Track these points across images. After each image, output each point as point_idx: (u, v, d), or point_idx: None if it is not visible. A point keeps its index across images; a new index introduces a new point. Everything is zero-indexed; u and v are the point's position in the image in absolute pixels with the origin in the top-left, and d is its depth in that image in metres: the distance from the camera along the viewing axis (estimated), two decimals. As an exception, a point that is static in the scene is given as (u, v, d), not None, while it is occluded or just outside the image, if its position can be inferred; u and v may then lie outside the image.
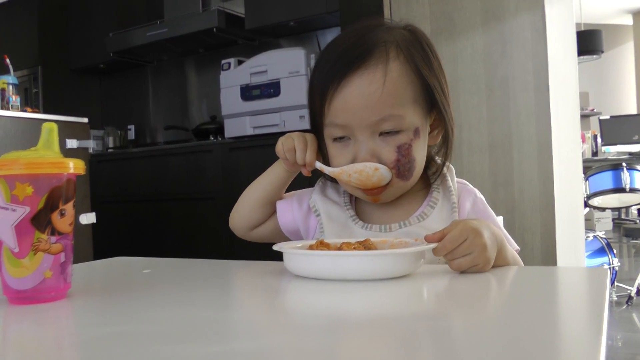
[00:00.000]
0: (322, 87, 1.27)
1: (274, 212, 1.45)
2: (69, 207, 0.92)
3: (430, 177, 1.40)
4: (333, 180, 1.41)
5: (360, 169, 1.25)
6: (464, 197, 1.38)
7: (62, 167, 0.90)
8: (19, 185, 0.87)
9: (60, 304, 0.91)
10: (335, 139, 1.30)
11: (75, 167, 0.92)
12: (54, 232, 0.90)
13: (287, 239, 1.45)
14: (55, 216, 0.90)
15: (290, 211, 1.43)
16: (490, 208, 1.40)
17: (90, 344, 0.67)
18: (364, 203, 1.39)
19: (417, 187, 1.38)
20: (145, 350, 0.63)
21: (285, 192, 1.48)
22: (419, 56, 1.27)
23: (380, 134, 1.25)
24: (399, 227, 1.31)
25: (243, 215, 1.47)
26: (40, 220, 0.88)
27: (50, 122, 0.96)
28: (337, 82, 1.24)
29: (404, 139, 1.25)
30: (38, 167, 0.88)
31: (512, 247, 1.29)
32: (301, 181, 1.43)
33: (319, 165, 1.32)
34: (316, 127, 1.37)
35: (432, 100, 1.29)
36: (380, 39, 1.26)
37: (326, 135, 1.32)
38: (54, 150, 0.93)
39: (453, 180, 1.39)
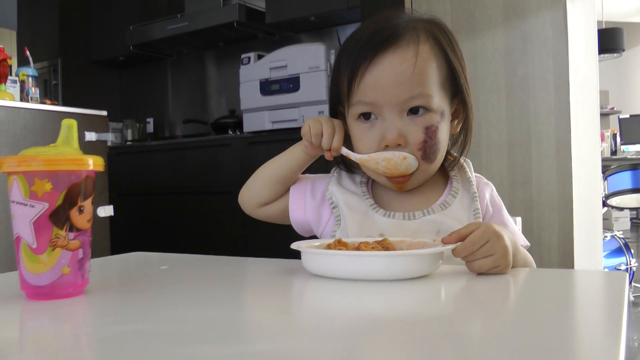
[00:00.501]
0: (352, 66, 1.27)
1: (285, 193, 1.45)
2: (87, 204, 0.92)
3: (447, 167, 1.40)
4: (348, 169, 1.43)
5: (389, 157, 1.26)
6: (482, 188, 1.39)
7: (81, 164, 0.91)
8: (38, 181, 0.87)
9: (78, 300, 0.91)
10: (360, 119, 1.30)
11: (94, 164, 0.92)
12: (72, 228, 0.90)
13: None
14: (73, 212, 0.90)
15: (302, 201, 1.42)
16: (502, 203, 1.42)
17: (107, 342, 0.68)
18: (383, 192, 1.39)
19: (435, 177, 1.38)
20: (161, 350, 0.63)
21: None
22: (445, 42, 1.29)
23: (408, 113, 1.26)
24: (422, 215, 1.31)
25: (254, 191, 1.45)
26: (59, 216, 0.89)
27: (70, 118, 0.96)
28: (368, 60, 1.25)
29: (432, 120, 1.26)
30: (57, 163, 0.88)
31: (521, 243, 1.31)
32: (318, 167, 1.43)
33: (345, 151, 1.31)
34: (336, 114, 1.38)
35: (455, 88, 1.31)
36: (409, 23, 1.28)
37: (351, 116, 1.32)
38: (74, 146, 0.94)
39: (472, 172, 1.40)
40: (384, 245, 1.10)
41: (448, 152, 1.39)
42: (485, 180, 1.43)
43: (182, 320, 0.78)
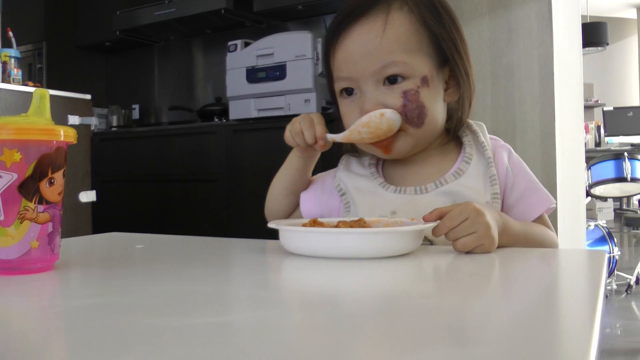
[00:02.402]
0: (327, 42, 1.30)
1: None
2: (58, 176, 0.91)
3: (459, 133, 1.37)
4: (355, 151, 1.42)
5: (366, 121, 1.23)
6: (500, 151, 1.34)
7: (52, 134, 0.89)
8: (7, 151, 0.86)
9: (47, 275, 0.89)
10: (343, 94, 1.30)
11: (65, 134, 0.90)
12: (41, 200, 0.88)
13: None
14: (43, 184, 0.88)
15: (314, 198, 1.42)
16: (524, 163, 1.37)
17: (75, 315, 0.67)
18: (393, 169, 1.37)
19: (448, 146, 1.36)
20: (130, 321, 0.63)
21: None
22: (426, 8, 1.26)
23: (385, 83, 1.24)
24: (435, 187, 1.28)
25: (271, 208, 1.47)
26: (28, 188, 0.87)
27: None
28: (338, 35, 1.26)
29: (410, 85, 1.24)
30: (27, 133, 0.87)
31: (549, 204, 1.31)
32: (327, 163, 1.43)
33: (329, 136, 1.30)
34: (333, 91, 1.37)
35: (444, 54, 1.27)
36: None
37: (337, 93, 1.33)
38: (46, 117, 0.91)
39: (485, 136, 1.35)
40: (360, 224, 1.09)
41: (456, 117, 1.36)
42: (502, 142, 1.38)
43: (153, 294, 0.77)
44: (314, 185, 1.44)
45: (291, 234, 1.07)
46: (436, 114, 1.28)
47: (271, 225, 1.09)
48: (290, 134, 1.32)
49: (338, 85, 1.30)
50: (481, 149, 1.32)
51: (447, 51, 1.27)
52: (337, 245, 1.00)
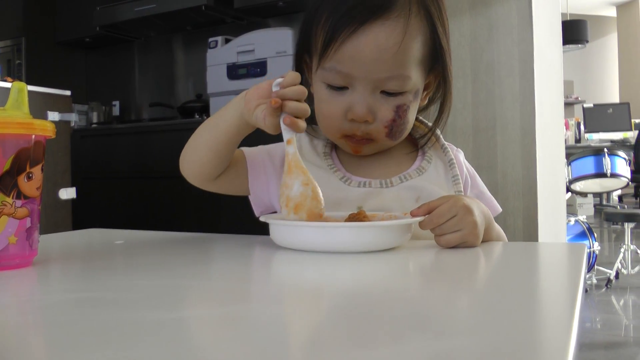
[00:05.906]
0: (335, 27, 1.15)
1: (235, 159, 1.30)
2: (36, 171, 0.90)
3: (419, 140, 1.36)
4: (309, 127, 1.33)
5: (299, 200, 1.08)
6: (457, 155, 1.36)
7: (30, 128, 0.88)
8: (-16, 145, 0.85)
9: (25, 271, 0.88)
10: (330, 87, 1.22)
11: (44, 129, 0.89)
12: (19, 195, 0.87)
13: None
14: (21, 179, 0.87)
15: (262, 170, 1.31)
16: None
17: (54, 309, 0.66)
18: (353, 162, 1.32)
19: (406, 149, 1.35)
20: (110, 316, 0.62)
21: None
22: (437, 15, 1.20)
23: (382, 91, 1.19)
24: (400, 181, 1.26)
25: (193, 168, 1.31)
26: (6, 182, 0.86)
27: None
28: (354, 27, 1.13)
29: (404, 100, 1.20)
30: (5, 126, 0.85)
31: (495, 210, 1.31)
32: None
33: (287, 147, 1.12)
34: (300, 65, 1.31)
35: (434, 61, 1.24)
36: None
37: (319, 77, 1.23)
38: (24, 110, 0.90)
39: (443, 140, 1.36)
40: (358, 217, 1.08)
41: (417, 120, 1.35)
42: (456, 147, 1.39)
43: (133, 289, 0.76)
44: (260, 156, 1.32)
45: (281, 227, 1.06)
46: (412, 124, 1.29)
47: (262, 219, 1.08)
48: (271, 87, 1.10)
49: (329, 77, 1.20)
50: (440, 152, 1.34)
51: (447, 62, 1.25)
52: (328, 239, 1.00)
